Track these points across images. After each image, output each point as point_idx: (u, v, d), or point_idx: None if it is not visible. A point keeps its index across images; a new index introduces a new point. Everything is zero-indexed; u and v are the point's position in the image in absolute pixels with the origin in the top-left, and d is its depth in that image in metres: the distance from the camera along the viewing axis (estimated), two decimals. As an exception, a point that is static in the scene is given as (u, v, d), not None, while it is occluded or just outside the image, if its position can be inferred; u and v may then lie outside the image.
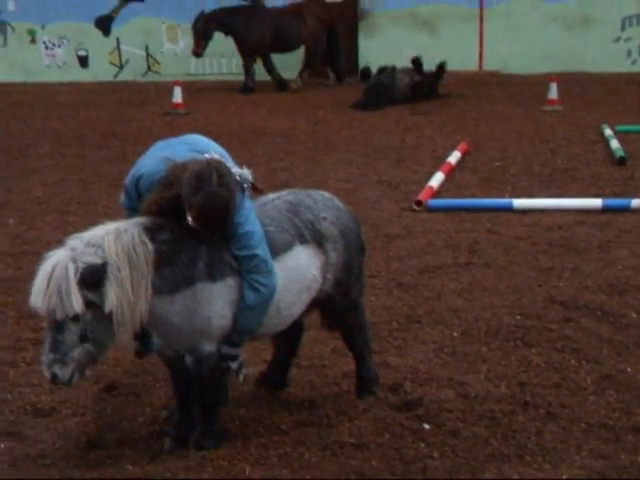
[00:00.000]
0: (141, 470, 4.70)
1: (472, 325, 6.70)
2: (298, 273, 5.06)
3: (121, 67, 22.99)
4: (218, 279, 4.78)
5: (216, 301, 4.79)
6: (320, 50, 20.34)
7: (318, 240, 5.15)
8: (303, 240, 5.10)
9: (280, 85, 20.29)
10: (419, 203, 10.13)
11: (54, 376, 4.48)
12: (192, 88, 19.50)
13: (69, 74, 22.84)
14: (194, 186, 4.63)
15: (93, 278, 4.44)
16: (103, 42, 23.04)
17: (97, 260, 4.48)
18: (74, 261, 4.45)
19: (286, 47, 20.37)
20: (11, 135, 15.52)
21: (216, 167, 4.70)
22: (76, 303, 4.40)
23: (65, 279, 4.40)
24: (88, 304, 4.45)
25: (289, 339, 5.64)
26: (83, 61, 23.30)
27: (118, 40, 22.93)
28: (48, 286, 4.42)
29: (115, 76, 23.00)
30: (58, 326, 4.45)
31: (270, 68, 20.39)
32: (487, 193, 10.77)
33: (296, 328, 5.60)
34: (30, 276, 7.88)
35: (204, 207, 4.65)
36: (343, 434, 5.07)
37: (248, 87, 19.98)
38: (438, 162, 12.26)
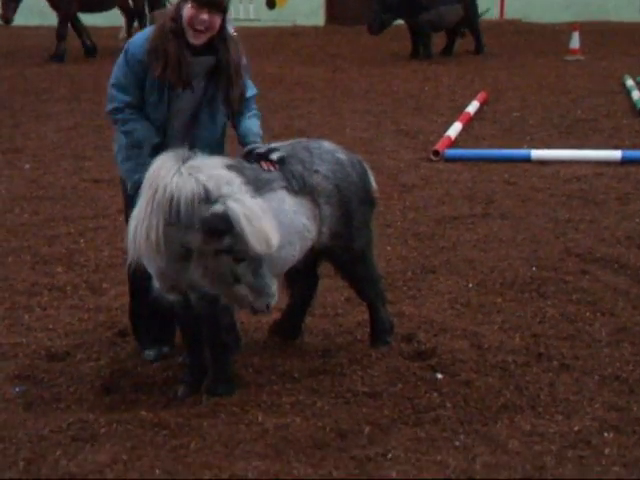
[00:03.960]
0: (155, 415, 4.72)
1: (487, 276, 6.67)
2: (285, 217, 4.99)
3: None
4: None
5: None
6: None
7: (309, 192, 5.10)
8: (290, 189, 5.06)
9: (90, 50, 17.96)
10: (436, 153, 10.07)
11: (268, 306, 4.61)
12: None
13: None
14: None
15: None
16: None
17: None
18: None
19: (99, 6, 18.20)
20: (27, 79, 15.47)
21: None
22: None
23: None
24: None
25: (304, 288, 5.62)
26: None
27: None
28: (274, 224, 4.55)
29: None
30: (260, 262, 4.55)
31: (79, 31, 17.98)
32: (505, 143, 10.70)
33: (311, 277, 5.59)
34: (46, 221, 7.94)
35: None
36: (356, 383, 5.08)
37: (60, 53, 17.49)
38: (456, 112, 12.18)
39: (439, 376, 5.15)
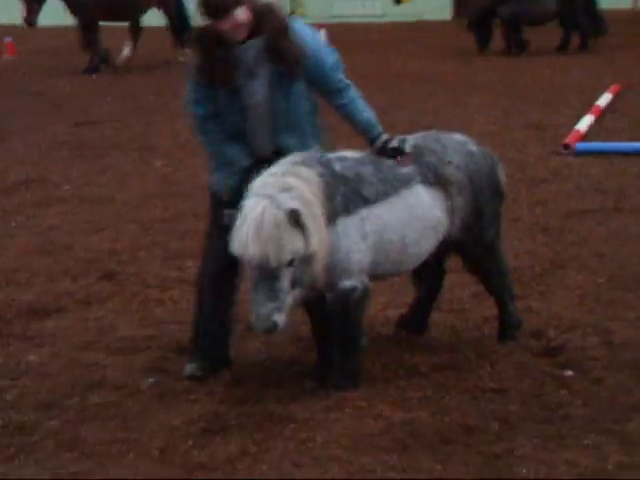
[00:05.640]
0: (283, 409, 4.78)
1: (618, 271, 6.52)
2: (421, 212, 5.02)
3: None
4: (352, 212, 4.79)
5: (353, 234, 4.79)
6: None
7: (443, 184, 5.08)
8: (425, 181, 5.04)
9: (96, 65, 16.41)
10: (566, 146, 9.89)
11: (275, 325, 4.52)
12: (337, 31, 19.42)
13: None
14: None
15: (299, 222, 4.48)
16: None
17: (297, 204, 4.51)
18: (278, 207, 4.48)
19: (126, 13, 16.67)
20: (158, 79, 15.82)
21: None
22: (289, 249, 4.47)
23: (276, 226, 4.45)
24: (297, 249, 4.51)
25: (431, 282, 5.61)
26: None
27: (263, -17, 23.02)
28: (260, 235, 4.45)
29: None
30: (273, 274, 4.49)
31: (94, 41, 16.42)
32: (638, 136, 10.41)
33: (437, 271, 5.57)
34: (177, 217, 8.13)
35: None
36: (483, 378, 5.04)
37: (95, 65, 16.39)
38: (587, 105, 11.92)
39: (569, 373, 5.07)
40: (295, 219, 4.47)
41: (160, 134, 11.68)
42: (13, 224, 8.21)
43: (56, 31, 16.94)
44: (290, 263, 4.51)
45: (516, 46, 16.89)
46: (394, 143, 5.03)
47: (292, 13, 21.27)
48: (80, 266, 7.08)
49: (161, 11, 17.01)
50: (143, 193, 9.04)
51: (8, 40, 18.61)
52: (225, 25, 4.81)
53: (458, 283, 6.19)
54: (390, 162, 5.02)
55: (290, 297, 4.58)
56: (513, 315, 5.53)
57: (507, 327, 5.52)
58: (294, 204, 4.51)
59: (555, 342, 5.44)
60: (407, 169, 5.02)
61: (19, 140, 11.52)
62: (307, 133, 5.08)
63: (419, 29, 20.28)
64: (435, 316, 5.75)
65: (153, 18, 17.37)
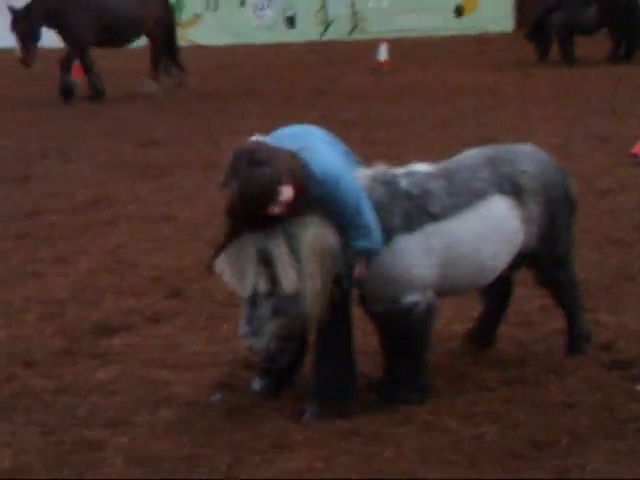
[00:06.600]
0: (349, 424, 4.77)
1: (692, 282, 6.42)
2: (496, 223, 4.97)
3: (327, 26, 23.19)
4: (415, 229, 4.77)
5: (415, 250, 4.76)
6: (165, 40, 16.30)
7: (517, 193, 5.03)
8: (502, 191, 5.00)
9: (95, 93, 15.94)
10: (634, 156, 9.77)
11: (250, 347, 4.81)
12: (398, 45, 19.43)
13: (277, 35, 23.26)
14: (228, 175, 4.60)
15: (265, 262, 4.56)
16: (309, 1, 23.28)
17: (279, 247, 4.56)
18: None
19: (120, 39, 16.28)
20: (222, 97, 15.96)
21: (251, 148, 4.66)
22: (252, 284, 4.59)
23: (246, 260, 4.59)
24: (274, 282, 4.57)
25: (498, 296, 5.56)
26: (290, 21, 23.67)
27: (324, -1, 23.13)
28: (233, 263, 4.66)
29: (321, 35, 23.23)
30: (251, 300, 4.65)
31: (88, 68, 15.95)
32: None
33: (505, 284, 5.52)
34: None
35: (236, 198, 4.51)
36: (552, 392, 4.98)
37: (98, 91, 15.94)
38: (654, 114, 11.79)
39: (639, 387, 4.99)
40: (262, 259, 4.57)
41: (223, 152, 11.72)
42: (81, 243, 8.32)
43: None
44: (268, 294, 4.60)
45: (565, 58, 16.74)
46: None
47: (355, 28, 21.36)
48: (147, 284, 7.14)
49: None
50: (207, 211, 9.09)
51: (75, 63, 18.76)
52: (274, 211, 4.56)
53: (525, 296, 6.13)
54: (464, 174, 4.98)
55: (271, 325, 4.67)
56: (583, 328, 5.47)
57: (576, 340, 5.45)
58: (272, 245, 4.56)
59: (625, 355, 5.36)
60: (482, 180, 4.98)
61: (86, 160, 11.66)
62: None
63: (480, 42, 20.19)
64: (502, 329, 5.70)
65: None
